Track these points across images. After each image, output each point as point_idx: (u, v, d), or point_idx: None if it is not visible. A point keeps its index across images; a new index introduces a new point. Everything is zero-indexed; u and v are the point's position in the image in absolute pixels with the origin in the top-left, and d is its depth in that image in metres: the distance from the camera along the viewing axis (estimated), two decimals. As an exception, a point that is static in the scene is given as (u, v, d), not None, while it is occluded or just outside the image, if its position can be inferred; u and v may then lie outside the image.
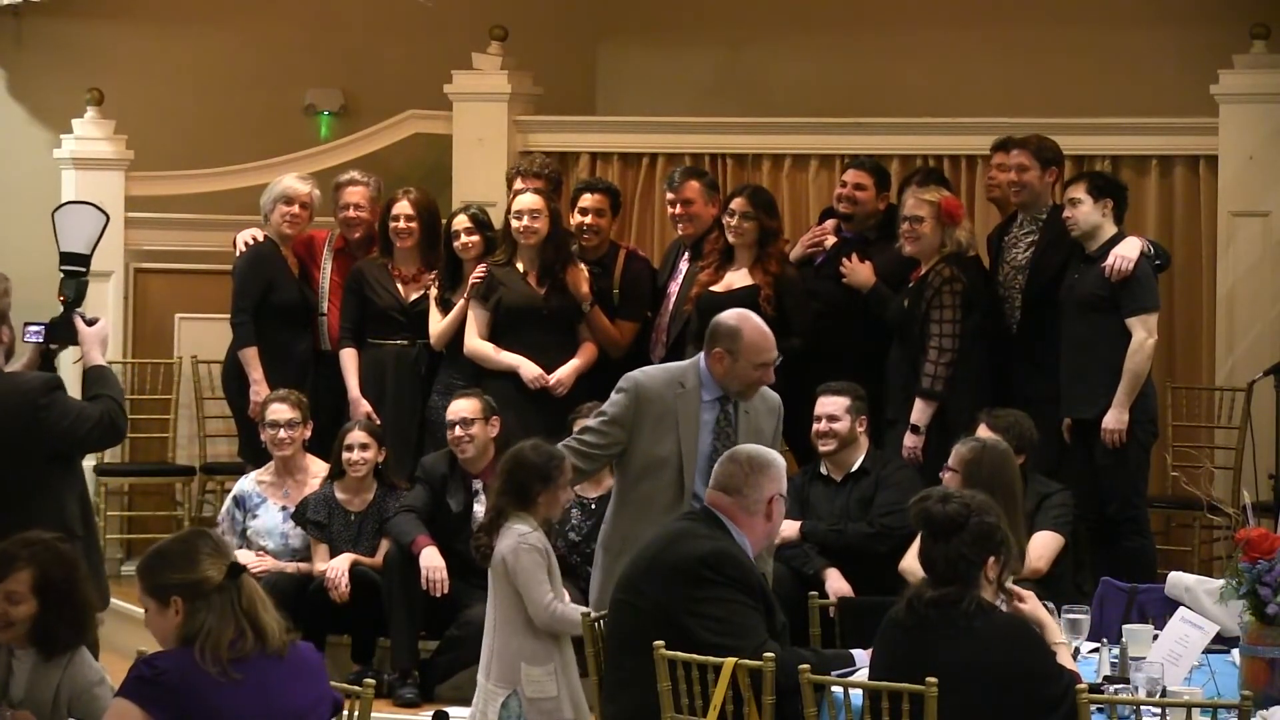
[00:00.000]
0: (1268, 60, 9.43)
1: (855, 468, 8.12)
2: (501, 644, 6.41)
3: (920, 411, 8.26)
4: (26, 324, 6.46)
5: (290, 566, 8.45)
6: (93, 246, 6.58)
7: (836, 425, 8.06)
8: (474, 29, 10.49)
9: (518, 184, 9.15)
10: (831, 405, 8.09)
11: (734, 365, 6.73)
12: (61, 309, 6.46)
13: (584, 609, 6.32)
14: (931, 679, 5.11)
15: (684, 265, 8.93)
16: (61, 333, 6.46)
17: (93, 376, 6.32)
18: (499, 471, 6.60)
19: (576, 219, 9.08)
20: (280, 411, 8.59)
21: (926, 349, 8.26)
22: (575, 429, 8.24)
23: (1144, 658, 5.72)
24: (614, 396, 6.87)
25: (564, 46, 11.21)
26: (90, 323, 6.43)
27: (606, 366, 8.86)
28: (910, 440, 8.26)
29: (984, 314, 8.42)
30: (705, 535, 5.84)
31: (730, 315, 6.89)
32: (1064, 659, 5.53)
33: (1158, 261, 8.32)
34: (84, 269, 6.54)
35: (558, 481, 6.42)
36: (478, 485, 8.34)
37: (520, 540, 6.36)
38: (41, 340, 6.48)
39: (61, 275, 6.55)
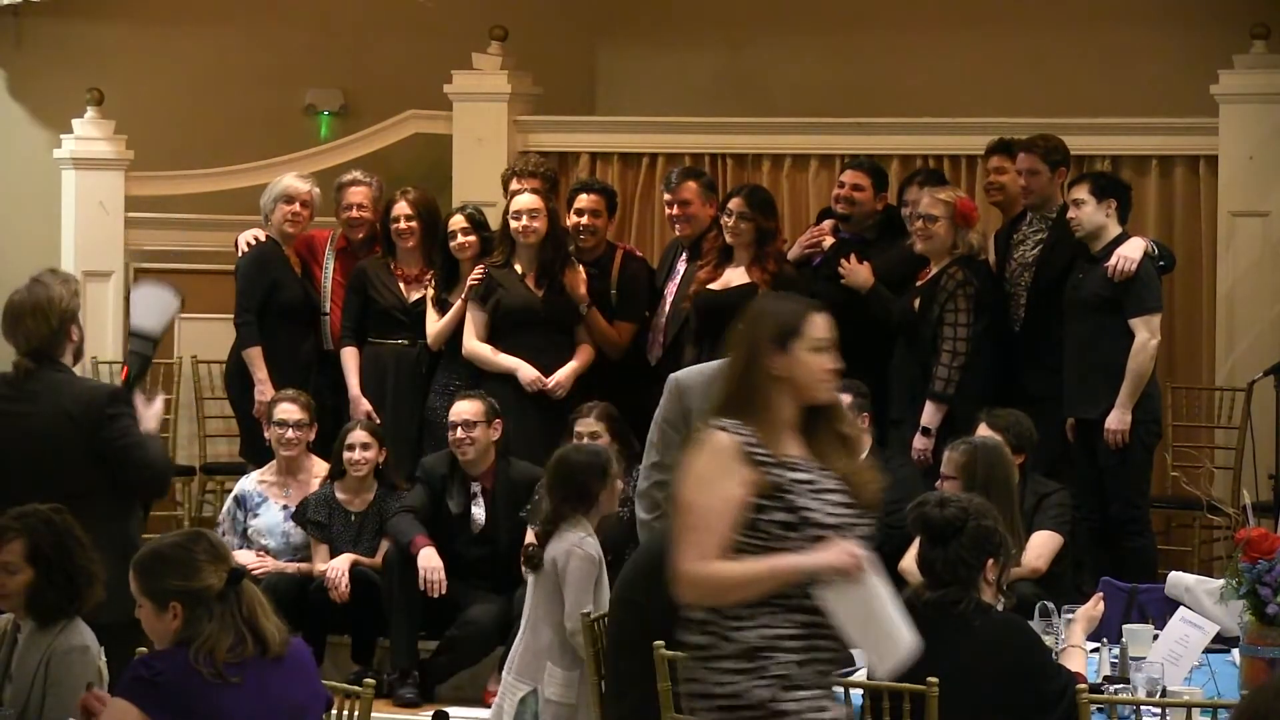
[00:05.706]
0: (1268, 60, 9.43)
1: (855, 463, 8.10)
2: (532, 639, 6.42)
3: (931, 414, 8.25)
4: None
5: (290, 567, 8.45)
6: (162, 329, 6.54)
7: (838, 424, 8.04)
8: (474, 29, 10.49)
9: (514, 184, 9.14)
10: (832, 403, 8.07)
11: None
12: (124, 382, 6.40)
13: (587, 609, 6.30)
14: (932, 679, 5.10)
15: (681, 265, 8.91)
16: None
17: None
18: (551, 482, 6.58)
19: (572, 219, 9.05)
20: (290, 411, 8.58)
21: (940, 352, 8.25)
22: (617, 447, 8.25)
23: (1144, 658, 5.71)
24: (661, 402, 6.74)
25: (564, 46, 11.20)
26: (149, 400, 6.35)
27: (605, 368, 8.87)
28: (920, 442, 8.25)
29: (992, 316, 8.42)
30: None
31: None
32: (1074, 663, 5.54)
33: (1162, 263, 8.31)
34: (150, 349, 6.51)
35: (611, 473, 6.54)
36: (477, 487, 8.34)
37: (575, 545, 6.37)
38: None
39: (130, 351, 6.53)
